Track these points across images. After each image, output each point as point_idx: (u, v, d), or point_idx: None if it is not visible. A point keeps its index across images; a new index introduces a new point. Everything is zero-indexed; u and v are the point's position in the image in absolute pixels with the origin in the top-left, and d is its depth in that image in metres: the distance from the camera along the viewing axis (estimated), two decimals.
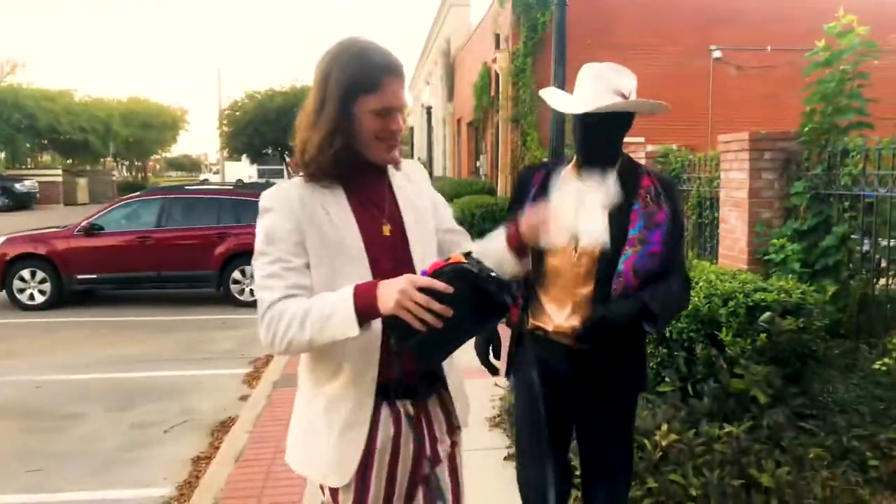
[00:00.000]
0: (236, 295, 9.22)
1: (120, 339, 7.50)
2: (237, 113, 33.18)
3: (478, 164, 20.10)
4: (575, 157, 2.26)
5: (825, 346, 4.00)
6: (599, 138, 2.13)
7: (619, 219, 2.09)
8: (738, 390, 3.56)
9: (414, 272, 1.68)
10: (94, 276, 9.17)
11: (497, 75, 15.53)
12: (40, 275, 9.05)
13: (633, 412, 2.41)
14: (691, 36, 14.44)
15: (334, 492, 1.72)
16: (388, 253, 1.70)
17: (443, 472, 1.82)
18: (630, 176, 2.19)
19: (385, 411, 1.71)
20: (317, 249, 1.63)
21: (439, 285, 1.46)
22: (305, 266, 1.63)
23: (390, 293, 1.47)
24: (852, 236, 4.82)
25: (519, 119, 14.16)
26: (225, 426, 4.87)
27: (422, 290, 1.45)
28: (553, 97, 2.29)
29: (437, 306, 1.45)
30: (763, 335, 3.62)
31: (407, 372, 1.67)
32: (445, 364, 1.79)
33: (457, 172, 24.11)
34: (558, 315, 2.20)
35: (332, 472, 1.69)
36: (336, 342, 1.55)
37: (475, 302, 1.51)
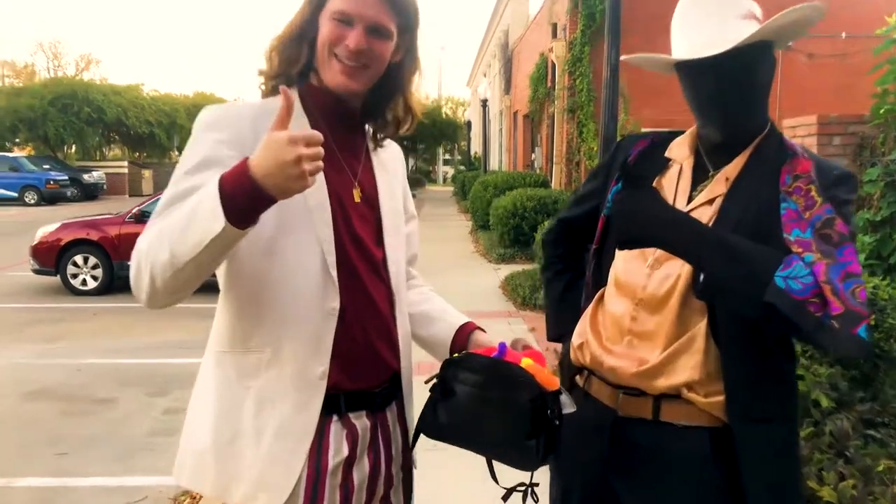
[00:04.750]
0: None
1: (164, 325, 7.51)
2: None
3: (533, 156, 19.81)
4: (690, 132, 1.60)
5: None
6: (727, 95, 1.44)
7: (752, 227, 1.40)
8: (798, 393, 3.23)
9: (384, 249, 1.44)
10: None
11: (553, 65, 15.21)
12: (93, 260, 9.17)
13: None
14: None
15: None
16: (357, 221, 1.40)
17: (397, 495, 1.50)
18: (775, 158, 1.47)
19: (336, 426, 1.35)
20: None
21: (315, 137, 1.11)
22: None
23: (269, 156, 1.10)
24: None
25: (575, 109, 13.83)
26: None
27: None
28: (646, 58, 1.63)
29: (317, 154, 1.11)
30: None
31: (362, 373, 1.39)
32: (407, 366, 1.51)
33: (513, 165, 23.88)
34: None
35: (261, 490, 1.30)
36: (269, 320, 1.29)
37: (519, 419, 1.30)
